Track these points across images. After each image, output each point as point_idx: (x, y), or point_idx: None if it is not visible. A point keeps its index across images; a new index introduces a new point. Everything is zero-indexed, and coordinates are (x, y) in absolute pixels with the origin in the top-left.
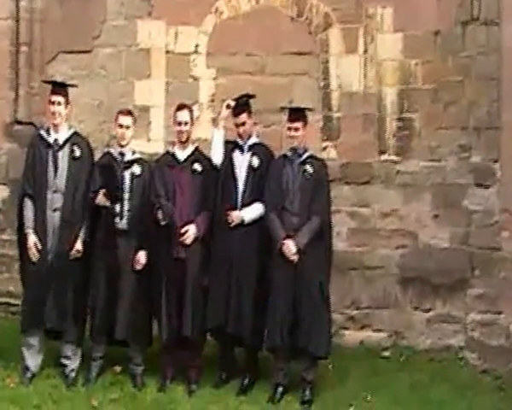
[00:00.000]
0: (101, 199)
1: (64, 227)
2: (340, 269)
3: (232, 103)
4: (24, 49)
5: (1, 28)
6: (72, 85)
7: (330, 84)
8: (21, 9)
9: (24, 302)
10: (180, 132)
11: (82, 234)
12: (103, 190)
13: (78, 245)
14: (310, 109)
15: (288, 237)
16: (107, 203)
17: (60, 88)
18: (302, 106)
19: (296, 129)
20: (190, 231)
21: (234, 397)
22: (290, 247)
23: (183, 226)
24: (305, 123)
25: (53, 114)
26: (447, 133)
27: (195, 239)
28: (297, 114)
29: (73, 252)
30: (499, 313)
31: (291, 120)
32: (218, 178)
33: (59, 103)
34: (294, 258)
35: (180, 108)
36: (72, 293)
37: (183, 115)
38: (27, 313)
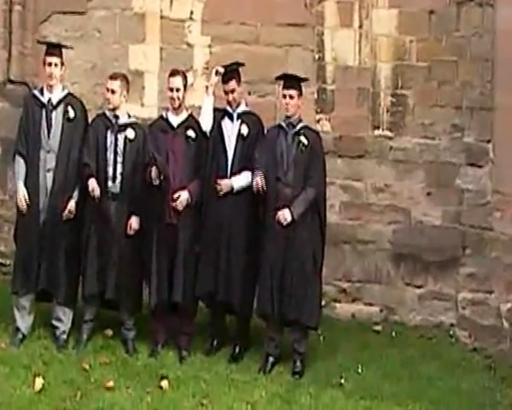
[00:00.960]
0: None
1: (57, 188)
2: (332, 242)
3: (221, 70)
4: (17, 8)
5: None
6: (67, 47)
7: (325, 57)
8: None
9: (16, 263)
10: (172, 98)
11: (75, 195)
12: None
13: (71, 206)
14: (305, 79)
15: (283, 206)
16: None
17: (55, 49)
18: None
19: (291, 96)
20: (182, 197)
21: (225, 365)
22: (285, 215)
23: (175, 192)
24: (300, 93)
25: (49, 75)
26: (441, 112)
27: (187, 205)
28: (292, 82)
29: (66, 213)
30: (490, 292)
31: (286, 87)
32: (208, 145)
33: (55, 65)
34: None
35: (173, 74)
36: (63, 254)
37: (176, 81)
38: (19, 274)
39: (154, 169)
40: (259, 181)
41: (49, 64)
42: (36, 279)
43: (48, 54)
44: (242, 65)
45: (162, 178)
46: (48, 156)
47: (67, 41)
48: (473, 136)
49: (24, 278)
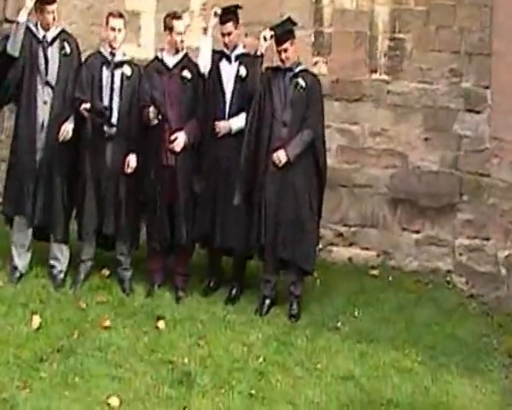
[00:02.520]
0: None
1: (54, 121)
2: (328, 185)
3: (219, 11)
4: None
5: None
6: None
7: (322, 0)
8: None
9: (8, 189)
10: (175, 42)
11: (71, 120)
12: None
13: (68, 126)
14: (293, 24)
15: (279, 148)
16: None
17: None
18: (286, 26)
19: (285, 50)
20: (179, 139)
21: (221, 306)
22: (280, 156)
23: (172, 133)
24: (293, 39)
25: (47, 23)
26: (438, 56)
27: (185, 146)
28: (283, 36)
29: (62, 132)
30: (487, 239)
31: (279, 43)
32: (206, 87)
33: (53, 12)
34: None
35: (177, 16)
36: (60, 190)
37: (180, 24)
38: (11, 199)
39: (151, 109)
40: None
41: (48, 12)
42: (32, 215)
43: (44, 2)
44: (240, 8)
45: (160, 117)
46: (45, 89)
47: None
48: (471, 81)
49: (17, 205)
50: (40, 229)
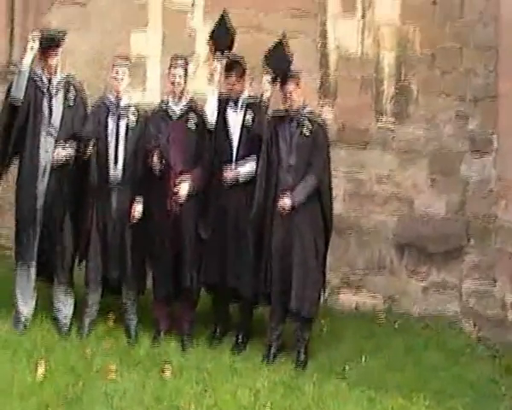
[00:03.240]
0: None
1: (56, 170)
2: (335, 231)
3: (219, 67)
4: None
5: None
6: (63, 35)
7: (328, 46)
8: None
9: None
10: (173, 85)
11: (70, 147)
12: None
13: (64, 151)
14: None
15: (284, 194)
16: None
17: (53, 42)
18: (285, 65)
19: (289, 93)
20: (183, 189)
21: (227, 354)
22: (286, 202)
23: (176, 180)
24: (297, 85)
25: (49, 66)
26: (444, 100)
27: (189, 194)
28: (285, 77)
29: (56, 155)
30: (494, 282)
31: (282, 84)
32: (212, 134)
33: (56, 56)
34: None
35: (175, 60)
36: (63, 235)
37: (178, 68)
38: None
39: (155, 155)
40: None
41: (50, 56)
42: (38, 262)
43: (46, 46)
44: (242, 59)
45: (164, 163)
46: (48, 138)
47: (70, 27)
48: (476, 124)
49: (20, 251)
50: (44, 271)
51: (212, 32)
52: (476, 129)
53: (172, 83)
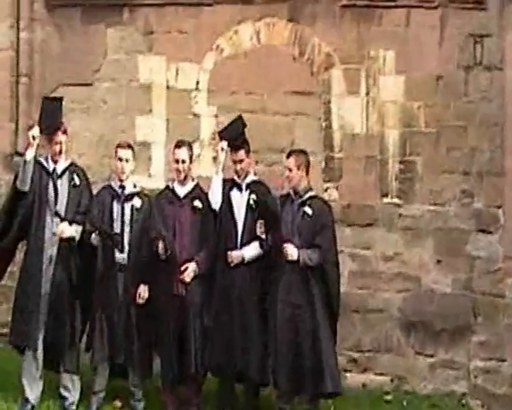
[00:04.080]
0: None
1: (62, 254)
2: (341, 311)
3: (225, 146)
4: (24, 80)
5: (1, 59)
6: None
7: (332, 125)
8: (22, 40)
9: (16, 322)
10: (178, 170)
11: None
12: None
13: (69, 228)
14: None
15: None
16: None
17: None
18: (297, 148)
19: (289, 169)
20: (190, 269)
21: None
22: (292, 250)
23: (183, 264)
24: (299, 163)
25: (55, 154)
26: (450, 178)
27: (195, 276)
28: (289, 154)
29: (61, 230)
30: (503, 360)
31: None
32: (217, 216)
33: (60, 142)
34: (294, 257)
35: (178, 145)
36: (68, 320)
37: (182, 153)
38: (19, 332)
39: (160, 244)
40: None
41: (57, 143)
42: (43, 351)
43: (49, 133)
44: (244, 125)
45: (169, 253)
46: (54, 220)
47: (74, 112)
48: (483, 201)
49: (25, 337)
50: (51, 358)
51: (225, 128)
52: (482, 206)
53: (177, 168)
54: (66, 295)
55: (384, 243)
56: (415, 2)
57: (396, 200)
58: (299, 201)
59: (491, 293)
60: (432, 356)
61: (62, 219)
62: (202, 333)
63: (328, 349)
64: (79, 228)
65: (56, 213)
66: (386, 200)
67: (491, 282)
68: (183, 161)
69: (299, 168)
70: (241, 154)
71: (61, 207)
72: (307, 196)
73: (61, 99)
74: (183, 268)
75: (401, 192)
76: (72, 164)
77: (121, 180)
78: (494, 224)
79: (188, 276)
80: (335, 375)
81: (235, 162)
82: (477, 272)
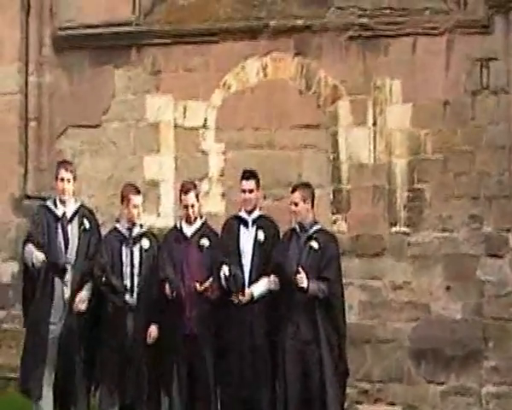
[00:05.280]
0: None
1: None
2: (352, 342)
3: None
4: (33, 123)
5: (10, 103)
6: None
7: (339, 157)
8: (30, 84)
9: (26, 369)
10: (188, 215)
11: (87, 288)
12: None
13: (83, 295)
14: (308, 185)
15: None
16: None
17: (67, 165)
18: (302, 182)
19: (295, 204)
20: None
21: None
22: (303, 278)
23: (191, 302)
24: (304, 197)
25: (62, 190)
26: (458, 203)
27: (205, 312)
28: (294, 188)
29: (77, 302)
30: None
31: (291, 192)
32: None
33: (68, 180)
34: (304, 284)
35: (186, 190)
36: (79, 364)
37: (190, 198)
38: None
39: (167, 287)
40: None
41: (62, 179)
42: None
43: (60, 169)
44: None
45: (174, 295)
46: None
47: (83, 154)
48: (492, 226)
49: (35, 387)
50: (61, 401)
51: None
52: (491, 230)
53: (187, 213)
54: (76, 337)
55: (393, 273)
56: (421, 29)
57: (405, 228)
58: (306, 235)
59: (502, 317)
60: (443, 384)
61: (73, 266)
62: (213, 371)
63: (332, 382)
64: (89, 285)
65: (66, 261)
66: (394, 229)
67: (501, 306)
68: (192, 206)
69: (304, 202)
70: (252, 183)
71: (72, 254)
72: (313, 230)
73: None
74: (202, 287)
75: (410, 220)
76: (81, 206)
77: (133, 224)
78: (504, 247)
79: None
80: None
81: (244, 191)
82: (487, 297)
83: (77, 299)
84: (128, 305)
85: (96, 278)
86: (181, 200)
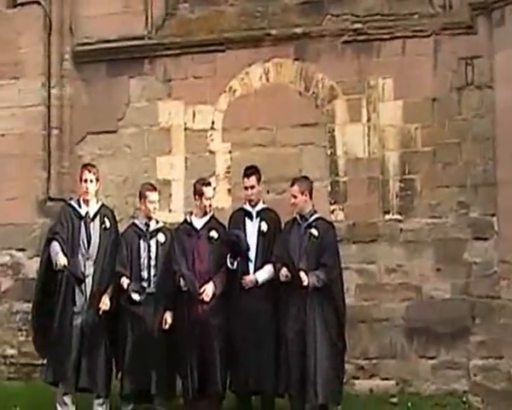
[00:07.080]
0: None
1: (95, 293)
2: (349, 322)
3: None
4: (55, 132)
5: (34, 114)
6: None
7: (336, 152)
8: (52, 96)
9: (51, 359)
10: (205, 207)
11: (109, 291)
12: (182, 280)
13: (106, 300)
14: (305, 178)
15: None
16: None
17: (91, 167)
18: (300, 176)
19: (294, 196)
20: (208, 289)
21: None
22: (305, 277)
23: (201, 287)
24: (302, 189)
25: (85, 191)
26: (446, 191)
27: (214, 296)
28: (293, 182)
29: (102, 306)
30: (500, 357)
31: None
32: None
33: (90, 181)
34: (305, 284)
35: (206, 184)
36: (103, 355)
37: (211, 191)
38: (54, 368)
39: (182, 281)
40: (283, 272)
41: (85, 180)
42: (76, 379)
43: (84, 171)
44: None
45: (187, 289)
46: (87, 263)
47: (101, 158)
48: (478, 211)
49: (60, 374)
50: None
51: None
52: (477, 215)
53: (204, 205)
54: (98, 326)
55: (387, 257)
56: (410, 32)
57: (397, 216)
58: (306, 224)
59: (488, 296)
60: (434, 358)
61: (95, 262)
62: (223, 353)
63: (334, 364)
64: (112, 287)
65: (88, 258)
66: (388, 217)
67: (487, 286)
68: (209, 197)
69: (302, 194)
70: (253, 180)
71: (93, 251)
72: (312, 218)
73: None
74: (201, 290)
75: (402, 208)
76: (102, 206)
77: (150, 218)
78: (489, 231)
79: (206, 295)
80: (337, 389)
81: (246, 188)
82: (474, 277)
83: (102, 301)
84: (146, 294)
85: (116, 273)
86: (200, 193)
